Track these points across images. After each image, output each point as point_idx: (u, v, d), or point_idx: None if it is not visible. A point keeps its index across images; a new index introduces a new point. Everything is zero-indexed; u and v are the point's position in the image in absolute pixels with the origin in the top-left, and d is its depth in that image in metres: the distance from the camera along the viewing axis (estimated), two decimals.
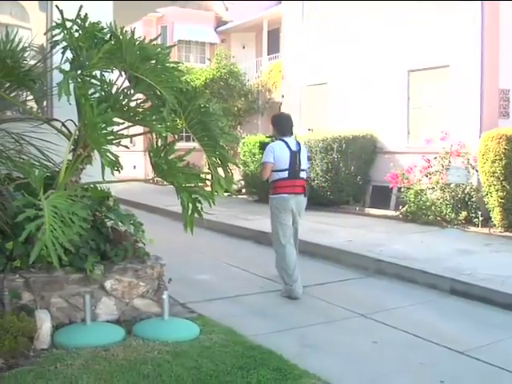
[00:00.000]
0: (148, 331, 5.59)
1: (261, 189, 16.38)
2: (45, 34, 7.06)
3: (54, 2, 7.43)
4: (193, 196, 5.71)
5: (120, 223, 6.08)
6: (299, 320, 6.37)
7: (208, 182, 6.00)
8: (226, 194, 6.27)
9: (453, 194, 12.77)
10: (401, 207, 13.62)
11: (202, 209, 5.80)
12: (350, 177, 15.07)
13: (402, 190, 13.74)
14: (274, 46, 25.69)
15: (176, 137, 6.11)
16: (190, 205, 5.70)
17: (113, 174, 5.52)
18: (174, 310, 6.18)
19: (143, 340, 5.41)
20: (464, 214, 12.50)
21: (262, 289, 7.70)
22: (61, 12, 5.95)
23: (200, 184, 5.80)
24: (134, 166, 26.08)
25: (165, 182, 6.18)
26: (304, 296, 7.29)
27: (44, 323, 5.20)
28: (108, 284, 5.81)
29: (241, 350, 5.22)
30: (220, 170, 6.11)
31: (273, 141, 7.78)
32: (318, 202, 14.80)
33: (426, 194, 13.08)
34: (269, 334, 5.81)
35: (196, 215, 5.79)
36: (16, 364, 4.82)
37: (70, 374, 4.65)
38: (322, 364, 5.13)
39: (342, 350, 5.55)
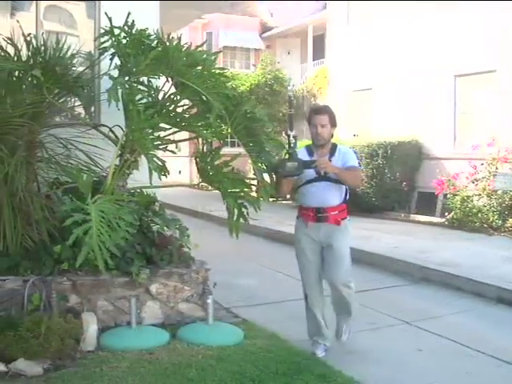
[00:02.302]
0: (192, 335, 5.62)
1: None
2: (94, 40, 7.17)
3: (103, 10, 7.56)
4: (238, 201, 5.72)
5: (166, 228, 6.13)
6: None
7: (253, 188, 6.01)
8: (270, 200, 6.24)
9: (500, 200, 12.56)
10: (446, 214, 13.46)
11: (247, 214, 5.81)
12: (395, 183, 14.95)
13: (448, 196, 13.57)
14: (319, 52, 25.61)
15: (222, 142, 6.13)
16: (236, 210, 5.71)
17: (160, 179, 5.57)
18: (219, 315, 6.20)
19: (188, 344, 5.45)
20: (511, 221, 12.28)
21: None
22: (109, 19, 6.04)
23: (245, 189, 5.81)
24: (180, 171, 26.24)
25: (209, 187, 6.21)
26: None
27: (90, 325, 5.28)
28: (153, 288, 5.87)
29: (285, 356, 5.22)
30: (265, 176, 6.11)
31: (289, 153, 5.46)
32: (363, 208, 14.72)
33: (472, 201, 12.89)
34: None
35: (241, 220, 5.80)
36: (63, 365, 4.90)
37: (115, 376, 4.72)
38: (367, 371, 5.09)
39: (386, 358, 5.50)
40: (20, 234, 5.68)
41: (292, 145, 5.32)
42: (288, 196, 7.27)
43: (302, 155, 5.42)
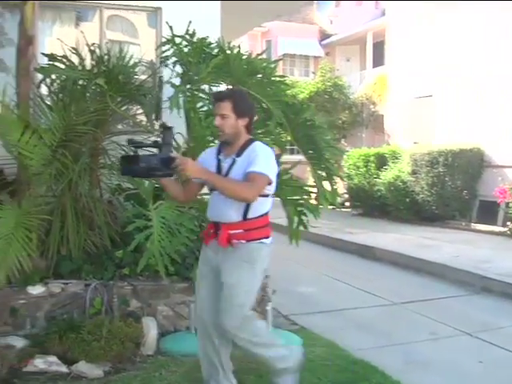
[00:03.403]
0: None
1: (365, 202, 16.26)
2: (156, 49, 7.28)
3: (164, 19, 7.68)
4: (298, 209, 5.72)
5: None
6: (403, 336, 6.25)
7: (312, 195, 5.99)
8: (329, 207, 6.21)
9: None
10: (509, 223, 13.17)
11: (307, 221, 5.80)
12: (456, 191, 14.69)
13: (511, 205, 13.28)
14: (378, 59, 25.43)
15: (282, 150, 6.14)
16: (296, 217, 5.71)
17: None
18: (277, 322, 6.19)
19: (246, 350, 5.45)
20: None
21: (365, 303, 7.60)
22: (171, 28, 6.14)
23: (305, 197, 5.80)
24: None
25: None
26: (408, 312, 7.17)
27: (150, 330, 5.34)
28: None
29: (343, 364, 5.18)
30: (325, 183, 6.09)
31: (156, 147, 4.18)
32: (423, 216, 14.55)
33: None
34: (371, 349, 5.73)
35: (301, 228, 5.79)
36: (123, 368, 4.97)
37: (174, 380, 4.76)
38: (426, 382, 5.04)
39: (446, 369, 5.41)
40: (83, 239, 5.80)
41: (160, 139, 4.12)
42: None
43: (209, 155, 4.28)
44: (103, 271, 5.72)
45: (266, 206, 4.12)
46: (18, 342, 5.08)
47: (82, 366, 4.84)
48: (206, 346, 4.31)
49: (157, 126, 6.20)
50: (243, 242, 4.03)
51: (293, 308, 7.02)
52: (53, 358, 4.83)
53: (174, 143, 6.29)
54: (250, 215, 4.03)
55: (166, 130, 4.09)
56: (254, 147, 4.07)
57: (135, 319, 5.37)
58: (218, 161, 4.14)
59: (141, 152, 4.02)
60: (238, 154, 4.06)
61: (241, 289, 4.05)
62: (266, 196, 4.09)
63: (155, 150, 4.00)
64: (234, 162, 4.05)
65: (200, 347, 4.37)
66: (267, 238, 4.16)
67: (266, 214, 4.17)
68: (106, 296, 5.49)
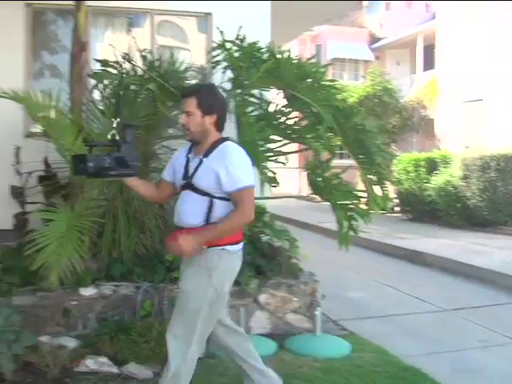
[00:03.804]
0: (300, 346, 5.62)
1: (415, 207, 16.09)
2: (206, 54, 7.34)
3: (214, 24, 7.73)
4: (348, 213, 5.69)
5: (275, 239, 6.18)
6: (452, 343, 6.16)
7: (363, 200, 5.96)
8: (379, 212, 6.16)
9: None
10: None
11: (357, 226, 5.77)
12: (509, 196, 14.40)
13: None
14: (428, 62, 25.21)
15: (332, 154, 6.13)
16: (346, 222, 5.68)
17: (270, 190, 5.62)
18: (326, 327, 6.16)
19: (294, 355, 5.46)
20: None
21: (415, 309, 7.52)
22: (221, 33, 6.17)
23: (355, 201, 5.77)
24: (288, 183, 26.34)
25: (317, 199, 6.22)
26: (458, 319, 7.06)
27: None
28: (262, 298, 5.92)
29: (392, 371, 5.14)
30: (375, 188, 6.05)
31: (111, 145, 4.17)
32: (475, 222, 14.33)
33: None
34: (421, 356, 5.66)
35: (351, 232, 5.76)
36: None
37: (222, 383, 4.82)
38: None
39: (497, 377, 5.31)
40: (134, 242, 5.87)
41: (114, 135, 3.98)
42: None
43: (181, 153, 4.04)
44: (154, 274, 5.77)
45: (230, 210, 3.75)
46: (70, 343, 5.16)
47: (132, 367, 4.90)
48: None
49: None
50: (204, 247, 3.71)
51: (342, 313, 6.99)
52: (104, 359, 4.90)
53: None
54: (212, 220, 3.73)
55: (128, 127, 3.92)
56: (225, 150, 3.76)
57: None
58: (187, 160, 3.89)
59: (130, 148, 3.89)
60: (206, 155, 3.77)
61: (194, 297, 3.76)
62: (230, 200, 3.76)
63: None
64: (200, 162, 3.78)
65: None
66: (232, 244, 3.81)
67: None
68: (156, 298, 5.54)
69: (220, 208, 3.73)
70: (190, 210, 3.75)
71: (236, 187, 3.65)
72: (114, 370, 4.86)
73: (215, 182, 3.68)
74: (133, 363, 4.93)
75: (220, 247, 3.75)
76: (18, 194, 6.56)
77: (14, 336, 4.51)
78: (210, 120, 3.80)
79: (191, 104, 3.77)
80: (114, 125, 3.95)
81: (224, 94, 5.50)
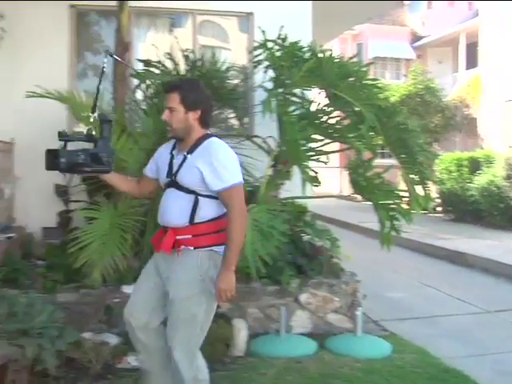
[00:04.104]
0: (340, 346, 5.59)
1: (457, 207, 15.91)
2: (248, 54, 7.36)
3: (256, 23, 7.75)
4: (390, 213, 5.65)
5: (316, 238, 6.17)
6: (495, 345, 6.05)
7: (404, 200, 5.91)
8: (421, 212, 6.10)
9: None
10: None
11: (399, 226, 5.73)
12: None
13: None
14: (471, 60, 24.90)
15: (373, 153, 6.09)
16: (388, 222, 5.65)
17: (312, 190, 5.62)
18: (367, 327, 6.12)
19: (335, 355, 5.43)
20: None
21: (457, 310, 7.42)
22: (263, 32, 6.18)
23: (397, 201, 5.73)
24: (329, 182, 26.26)
25: (358, 198, 6.19)
26: (500, 321, 6.95)
27: (241, 332, 5.38)
28: (303, 297, 5.91)
29: (433, 372, 5.08)
30: (417, 188, 6.00)
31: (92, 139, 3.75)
32: None
33: None
34: (463, 358, 5.57)
35: (392, 232, 5.73)
36: (213, 369, 4.97)
37: (263, 382, 4.80)
38: None
39: None
40: None
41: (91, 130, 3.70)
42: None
43: (165, 149, 3.83)
44: None
45: (216, 208, 3.59)
46: (113, 340, 5.21)
47: None
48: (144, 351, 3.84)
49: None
50: (191, 248, 3.55)
51: (383, 313, 6.94)
52: None
53: (267, 147, 6.41)
54: (197, 219, 3.54)
55: (105, 122, 3.69)
56: (210, 147, 3.57)
57: (226, 321, 5.41)
58: (171, 156, 3.70)
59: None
60: (190, 151, 3.58)
61: (190, 305, 3.56)
62: (217, 198, 3.57)
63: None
64: (184, 159, 3.59)
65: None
66: (218, 245, 3.59)
67: (219, 217, 3.61)
68: None
69: (206, 207, 3.55)
70: (174, 208, 3.59)
71: (223, 186, 3.48)
72: None
73: (199, 180, 3.51)
74: None
75: (208, 248, 3.58)
76: (61, 192, 6.66)
77: (58, 332, 4.56)
78: (193, 116, 3.60)
79: (174, 99, 3.58)
80: (92, 119, 3.71)
81: (266, 94, 5.53)
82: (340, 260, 6.28)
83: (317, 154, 5.82)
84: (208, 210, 3.56)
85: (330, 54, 6.00)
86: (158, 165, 3.81)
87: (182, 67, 6.49)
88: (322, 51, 5.97)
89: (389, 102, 6.27)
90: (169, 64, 6.49)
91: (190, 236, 3.55)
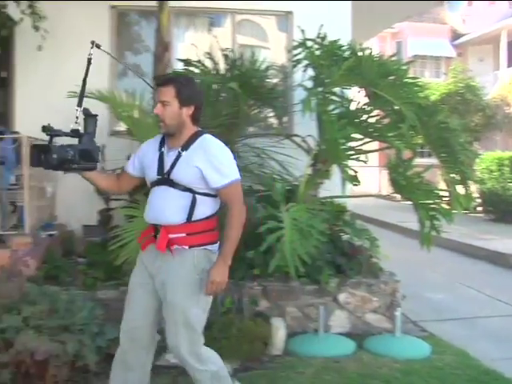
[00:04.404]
0: (379, 346, 5.57)
1: (498, 207, 15.71)
2: (288, 53, 7.36)
3: (295, 22, 7.74)
4: (430, 213, 5.60)
5: (355, 238, 6.14)
6: None
7: (445, 199, 5.86)
8: (461, 212, 6.03)
9: None
10: None
11: (439, 226, 5.68)
12: None
13: None
14: None
15: (413, 153, 6.05)
16: (428, 222, 5.60)
17: (351, 189, 5.60)
18: (405, 328, 6.07)
19: (373, 355, 5.40)
20: None
21: (497, 312, 7.32)
22: (302, 31, 6.18)
23: (437, 201, 5.68)
24: (368, 182, 26.10)
25: (397, 198, 6.15)
26: None
27: (279, 330, 5.38)
28: (341, 297, 5.89)
29: (473, 374, 5.02)
30: (458, 187, 5.95)
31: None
32: None
33: None
34: (504, 360, 5.48)
35: (433, 233, 5.68)
36: (251, 367, 5.04)
37: (300, 381, 4.79)
38: None
39: None
40: None
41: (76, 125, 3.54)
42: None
43: (151, 147, 3.68)
44: (234, 271, 5.77)
45: (212, 206, 3.55)
46: None
47: None
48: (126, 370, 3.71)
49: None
50: (185, 247, 3.47)
51: (422, 314, 6.88)
52: None
53: (306, 146, 6.40)
54: (194, 217, 3.46)
55: (89, 117, 3.52)
56: (206, 144, 3.50)
57: (264, 319, 5.42)
58: (161, 154, 3.55)
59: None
60: (184, 148, 3.47)
61: (190, 308, 3.50)
62: (214, 196, 3.53)
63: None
64: (179, 155, 3.46)
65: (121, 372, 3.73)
66: (212, 244, 3.56)
67: (213, 215, 3.56)
68: (236, 295, 5.59)
69: (202, 204, 3.48)
70: (169, 206, 3.46)
71: (223, 183, 3.43)
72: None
73: (197, 177, 3.43)
74: None
75: (203, 247, 3.51)
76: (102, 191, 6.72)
77: (98, 329, 4.62)
78: (187, 112, 3.49)
79: (168, 93, 3.44)
80: (78, 114, 3.50)
81: (305, 93, 5.53)
82: (379, 260, 6.25)
83: (356, 153, 5.80)
84: (204, 207, 3.49)
85: (370, 53, 5.98)
86: (142, 162, 3.67)
87: (222, 66, 6.51)
88: (362, 50, 5.95)
89: (429, 101, 6.22)
90: (208, 63, 6.52)
91: (184, 234, 3.46)
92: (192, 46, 6.82)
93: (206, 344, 4.99)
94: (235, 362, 5.02)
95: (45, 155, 3.38)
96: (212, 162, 3.41)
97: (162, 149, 3.55)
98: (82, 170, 3.54)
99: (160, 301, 3.57)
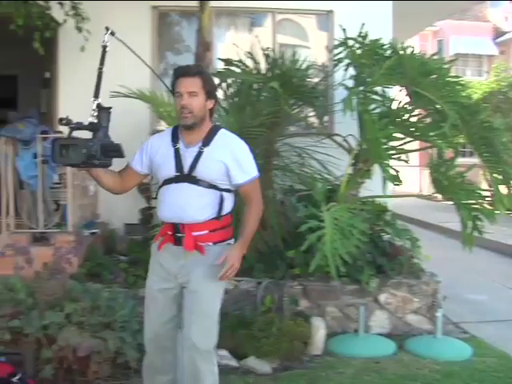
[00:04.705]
0: (419, 348, 5.53)
1: None
2: (329, 52, 7.35)
3: (336, 21, 7.73)
4: (473, 213, 5.54)
5: (396, 238, 6.11)
6: None
7: (487, 199, 5.79)
8: (505, 212, 5.94)
9: None
10: None
11: (482, 226, 5.62)
12: None
13: None
14: None
15: (455, 152, 5.99)
16: (470, 222, 5.54)
17: (393, 189, 5.56)
18: (446, 329, 6.02)
19: (414, 356, 5.37)
20: None
21: None
22: (343, 30, 6.17)
23: (480, 201, 5.61)
24: (409, 181, 25.86)
25: (439, 198, 6.10)
26: None
27: (319, 330, 5.38)
28: (382, 297, 5.87)
29: None
30: (501, 187, 5.87)
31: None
32: None
33: None
34: None
35: (475, 233, 5.61)
36: (290, 366, 5.05)
37: (340, 381, 4.78)
38: None
39: None
40: (255, 238, 5.92)
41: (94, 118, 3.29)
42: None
43: (161, 142, 3.51)
44: (275, 270, 5.83)
45: (232, 202, 3.53)
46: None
47: (252, 362, 4.98)
48: (159, 374, 3.69)
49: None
50: (210, 244, 3.43)
51: (463, 315, 6.80)
52: (224, 352, 4.96)
53: (347, 145, 6.38)
54: (223, 213, 3.43)
55: (103, 110, 3.30)
56: (228, 139, 3.48)
57: (304, 319, 5.42)
58: (176, 150, 3.42)
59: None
60: (205, 144, 3.38)
61: (214, 300, 3.51)
62: (232, 192, 3.51)
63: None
64: (200, 152, 3.37)
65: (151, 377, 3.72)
66: (232, 238, 3.54)
67: (232, 211, 3.54)
68: (276, 295, 5.60)
69: (227, 200, 3.45)
70: (196, 204, 3.36)
71: (246, 179, 3.42)
72: (234, 363, 4.95)
73: (222, 174, 3.38)
74: (252, 358, 5.01)
75: (226, 242, 3.50)
76: (144, 189, 6.79)
77: (139, 326, 4.66)
78: (209, 105, 3.42)
79: (196, 84, 3.33)
80: (94, 106, 3.25)
81: (346, 92, 5.51)
82: (420, 260, 6.20)
83: (397, 153, 5.77)
84: (227, 203, 3.46)
85: (412, 51, 5.94)
86: (152, 159, 3.48)
87: (262, 66, 6.52)
88: (403, 48, 5.91)
89: (471, 100, 6.16)
90: (249, 63, 6.54)
91: (207, 231, 3.41)
92: (232, 46, 6.84)
93: (245, 342, 5.05)
94: (274, 361, 5.04)
95: (71, 150, 3.13)
96: (237, 159, 3.37)
97: (177, 144, 3.43)
98: (100, 166, 3.30)
99: (180, 303, 3.54)
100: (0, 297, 4.75)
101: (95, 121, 3.26)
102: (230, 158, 3.35)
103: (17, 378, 2.88)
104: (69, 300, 4.67)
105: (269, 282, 5.66)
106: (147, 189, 6.76)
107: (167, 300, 3.53)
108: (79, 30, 6.84)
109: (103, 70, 3.36)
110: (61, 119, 3.17)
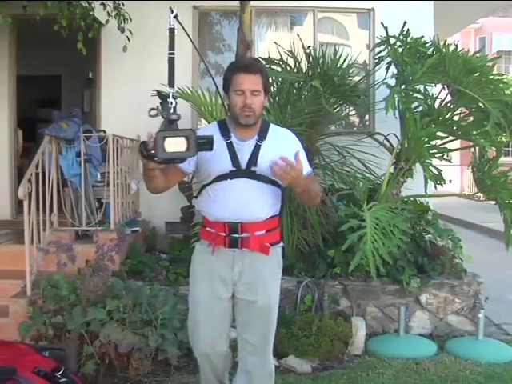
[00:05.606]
0: (461, 349, 5.48)
1: None
2: (370, 50, 7.31)
3: (378, 20, 7.68)
4: None
5: (438, 237, 6.06)
6: None
7: None
8: None
9: None
10: None
11: None
12: None
13: None
14: None
15: (498, 151, 5.92)
16: None
17: (435, 188, 5.52)
18: (488, 330, 5.95)
19: (455, 357, 5.32)
20: None
21: None
22: (385, 29, 6.13)
23: None
24: (450, 180, 25.59)
25: (481, 198, 6.03)
26: None
27: (359, 330, 5.37)
28: (423, 298, 5.83)
29: None
30: None
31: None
32: None
33: None
34: None
35: None
36: (330, 366, 5.07)
37: (380, 382, 4.77)
38: None
39: None
40: (296, 238, 5.94)
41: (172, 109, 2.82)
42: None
43: (211, 132, 3.12)
44: (315, 269, 5.83)
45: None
46: (232, 333, 5.29)
47: (291, 361, 4.99)
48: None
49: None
50: (268, 245, 3.24)
51: (506, 317, 6.70)
52: None
53: (388, 144, 6.34)
54: (277, 212, 3.30)
55: (164, 100, 2.87)
56: (283, 132, 3.35)
57: (344, 318, 5.41)
58: (229, 144, 3.20)
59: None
60: (261, 138, 3.20)
61: (275, 307, 3.39)
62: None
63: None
64: (258, 146, 3.18)
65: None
66: (282, 240, 3.43)
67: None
68: (316, 294, 5.59)
69: (283, 197, 3.34)
70: (255, 201, 3.18)
71: (308, 171, 3.23)
72: (274, 362, 4.91)
73: None
74: (292, 356, 5.02)
75: (280, 244, 3.39)
76: (185, 188, 6.82)
77: (180, 323, 4.71)
78: (266, 101, 3.26)
79: (258, 82, 3.13)
80: (171, 96, 2.84)
81: (388, 91, 5.48)
82: (462, 260, 6.14)
83: (440, 152, 5.72)
84: (282, 200, 3.34)
85: (454, 49, 5.88)
86: (201, 154, 3.05)
87: (303, 64, 6.51)
88: (446, 46, 5.86)
89: None
90: (290, 61, 6.53)
91: (264, 232, 3.24)
92: (273, 45, 6.82)
93: (284, 341, 5.06)
94: (314, 361, 5.05)
95: (203, 146, 2.79)
96: (296, 151, 3.06)
97: (230, 138, 3.21)
98: (181, 162, 3.00)
99: (232, 310, 3.37)
100: (43, 293, 4.85)
101: (172, 111, 2.83)
102: (292, 151, 3.06)
103: (60, 372, 2.93)
104: (111, 297, 4.74)
105: (309, 281, 5.66)
106: (188, 187, 6.79)
107: (221, 311, 3.33)
108: (121, 30, 6.90)
109: (174, 55, 3.03)
110: (158, 91, 2.92)
